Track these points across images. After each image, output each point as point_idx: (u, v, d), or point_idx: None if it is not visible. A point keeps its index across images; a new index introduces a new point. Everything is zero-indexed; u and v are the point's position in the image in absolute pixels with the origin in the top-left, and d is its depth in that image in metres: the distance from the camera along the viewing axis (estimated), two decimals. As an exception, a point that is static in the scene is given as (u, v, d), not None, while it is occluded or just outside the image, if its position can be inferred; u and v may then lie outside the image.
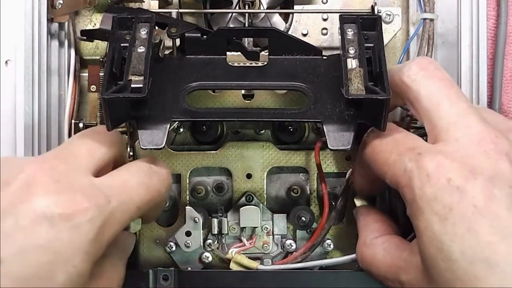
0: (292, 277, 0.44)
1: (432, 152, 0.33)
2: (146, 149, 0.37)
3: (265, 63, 0.43)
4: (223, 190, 0.51)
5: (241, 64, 0.44)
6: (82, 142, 0.36)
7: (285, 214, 0.47)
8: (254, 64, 0.44)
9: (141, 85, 0.35)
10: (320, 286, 0.43)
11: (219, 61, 0.42)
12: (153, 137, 0.37)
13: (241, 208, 0.47)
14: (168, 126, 0.37)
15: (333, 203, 0.46)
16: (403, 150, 0.34)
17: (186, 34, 0.42)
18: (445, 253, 0.31)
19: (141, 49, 0.38)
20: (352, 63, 0.37)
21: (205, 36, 0.43)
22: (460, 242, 0.31)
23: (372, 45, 0.39)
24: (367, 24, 0.40)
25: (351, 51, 0.38)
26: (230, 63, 0.43)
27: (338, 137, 0.37)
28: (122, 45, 0.38)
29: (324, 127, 0.37)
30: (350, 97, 0.36)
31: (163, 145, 0.37)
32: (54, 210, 0.31)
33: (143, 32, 0.39)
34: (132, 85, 0.36)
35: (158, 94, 0.38)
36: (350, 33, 0.39)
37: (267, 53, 0.43)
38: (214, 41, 0.42)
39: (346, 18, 0.40)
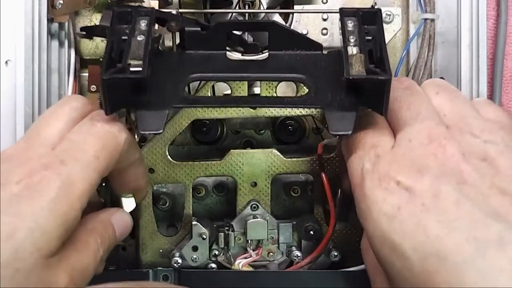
0: (293, 277, 0.44)
1: (388, 156, 0.34)
2: (144, 133, 0.36)
3: (265, 57, 0.42)
4: (224, 190, 0.51)
5: (241, 58, 0.43)
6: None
7: (291, 223, 0.47)
8: (254, 59, 0.44)
9: (140, 68, 0.35)
10: (320, 286, 0.43)
11: (219, 55, 0.42)
12: (152, 121, 0.36)
13: (248, 222, 0.46)
14: (167, 112, 0.37)
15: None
16: (367, 146, 0.36)
17: (186, 28, 0.42)
18: (397, 252, 0.32)
19: (141, 38, 0.37)
20: (353, 50, 0.37)
21: (205, 31, 0.42)
22: (410, 238, 0.31)
23: (372, 37, 0.39)
24: (367, 18, 0.39)
25: (352, 40, 0.38)
26: (230, 58, 0.42)
27: (339, 122, 0.36)
28: (121, 37, 0.38)
29: (325, 113, 0.37)
30: (350, 78, 0.35)
31: (162, 130, 0.36)
32: (17, 180, 0.32)
33: (143, 24, 0.38)
34: (132, 69, 0.35)
35: (158, 84, 0.38)
36: (350, 25, 0.39)
37: (267, 52, 0.43)
38: (214, 35, 0.42)
39: (346, 12, 0.40)
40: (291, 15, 0.51)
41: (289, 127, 0.51)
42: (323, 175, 0.45)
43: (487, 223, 0.30)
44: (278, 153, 0.47)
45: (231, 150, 0.47)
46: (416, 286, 0.31)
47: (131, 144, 0.38)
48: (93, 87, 0.49)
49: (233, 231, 0.47)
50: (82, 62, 0.50)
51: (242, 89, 0.46)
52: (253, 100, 0.43)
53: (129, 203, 0.41)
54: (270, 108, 0.46)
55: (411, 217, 0.31)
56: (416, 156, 0.33)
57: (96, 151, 0.35)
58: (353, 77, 0.35)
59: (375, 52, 0.37)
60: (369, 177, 0.34)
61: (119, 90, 0.35)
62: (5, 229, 0.31)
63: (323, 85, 0.39)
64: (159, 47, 0.43)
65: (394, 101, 0.36)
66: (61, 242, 0.33)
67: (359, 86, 0.36)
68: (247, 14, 0.49)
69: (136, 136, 0.41)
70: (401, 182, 0.32)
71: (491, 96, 0.50)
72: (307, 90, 0.40)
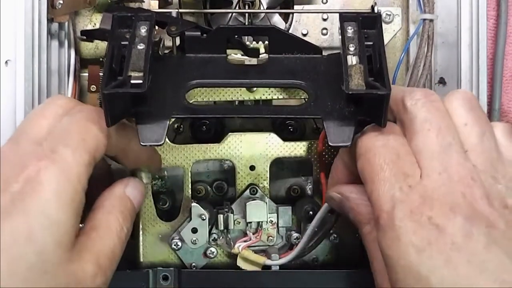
0: (293, 277, 0.44)
1: (419, 187, 0.34)
2: (145, 145, 0.37)
3: (265, 61, 0.43)
4: (223, 190, 0.51)
5: (241, 63, 0.44)
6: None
7: (290, 206, 0.47)
8: (254, 63, 0.44)
9: (141, 81, 0.35)
10: (320, 286, 0.43)
11: (219, 59, 0.42)
12: (152, 133, 0.37)
13: (247, 204, 0.46)
14: (168, 122, 0.37)
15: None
16: (399, 173, 0.35)
17: (186, 33, 0.42)
18: (423, 283, 0.32)
19: (141, 46, 0.37)
20: (352, 60, 0.37)
21: (205, 35, 0.43)
22: (438, 273, 0.31)
23: (372, 43, 0.39)
24: (367, 23, 0.40)
25: (351, 48, 0.38)
26: (230, 62, 0.43)
27: (338, 133, 0.37)
28: (122, 43, 0.38)
29: (324, 123, 0.37)
30: (350, 92, 0.36)
31: (163, 141, 0.37)
32: (15, 180, 0.32)
33: (143, 30, 0.39)
34: (132, 81, 0.35)
35: (158, 92, 0.38)
36: (350, 31, 0.39)
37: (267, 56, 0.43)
38: (214, 39, 0.42)
39: (346, 17, 0.40)
40: (291, 15, 0.51)
41: (289, 127, 0.51)
42: (323, 175, 0.45)
43: None
44: (277, 137, 0.47)
45: (230, 133, 0.47)
46: None
47: (120, 124, 0.38)
48: (93, 87, 0.49)
49: (232, 213, 0.47)
50: (82, 62, 0.50)
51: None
52: (254, 110, 0.44)
53: (145, 178, 0.42)
54: (265, 94, 0.46)
55: (440, 254, 0.32)
56: (446, 192, 0.33)
57: (81, 134, 0.35)
58: (353, 92, 0.36)
59: (375, 62, 0.38)
60: (401, 207, 0.33)
61: (119, 103, 0.36)
62: (22, 232, 0.31)
63: (323, 92, 0.39)
64: (159, 51, 0.43)
65: (424, 122, 0.35)
66: (76, 230, 0.33)
67: (358, 98, 0.36)
68: (247, 14, 0.49)
69: None
70: (433, 218, 0.32)
71: (491, 96, 0.50)
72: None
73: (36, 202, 0.32)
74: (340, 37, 0.39)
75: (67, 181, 0.33)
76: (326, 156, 0.47)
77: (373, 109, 0.36)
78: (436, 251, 0.32)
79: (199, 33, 0.42)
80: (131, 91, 0.35)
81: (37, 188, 0.32)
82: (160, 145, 0.37)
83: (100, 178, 0.38)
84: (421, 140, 0.35)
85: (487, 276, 0.31)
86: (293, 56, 0.42)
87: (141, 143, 0.36)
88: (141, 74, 0.36)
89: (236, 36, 0.44)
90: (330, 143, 0.36)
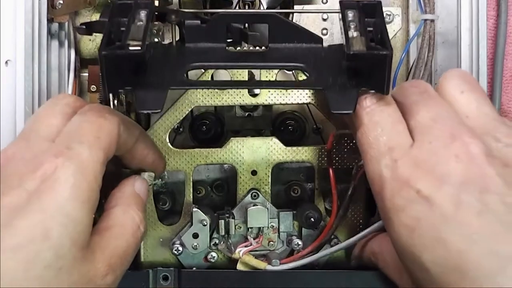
0: (293, 277, 0.44)
1: (406, 159, 0.33)
2: (142, 112, 0.36)
3: (265, 49, 0.42)
4: (223, 190, 0.51)
5: (241, 50, 0.43)
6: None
7: (291, 212, 0.47)
8: (254, 51, 0.44)
9: (139, 48, 0.34)
10: (322, 286, 0.43)
11: (219, 48, 0.41)
12: (150, 100, 0.35)
13: (248, 209, 0.46)
14: (166, 92, 0.36)
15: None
16: (384, 149, 0.34)
17: (186, 22, 0.42)
18: (418, 264, 0.31)
19: (140, 23, 0.37)
20: (353, 34, 0.36)
21: (204, 24, 0.42)
22: (430, 252, 0.31)
23: (373, 27, 0.38)
24: (368, 10, 0.39)
25: (352, 26, 0.37)
26: (230, 50, 0.42)
27: (340, 101, 0.35)
28: (121, 29, 0.37)
29: (326, 93, 0.36)
30: (351, 53, 0.34)
31: (161, 109, 0.35)
32: (31, 177, 0.32)
33: (142, 14, 0.38)
34: (131, 48, 0.34)
35: (157, 69, 0.38)
36: (351, 15, 0.39)
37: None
38: (214, 28, 0.42)
39: (346, 4, 0.40)
40: (291, 15, 0.51)
41: (289, 127, 0.51)
42: (331, 170, 0.45)
43: (509, 237, 0.29)
44: (279, 141, 0.47)
45: (231, 138, 0.47)
46: None
47: (127, 122, 0.38)
48: (93, 87, 0.49)
49: (233, 218, 0.47)
50: (82, 62, 0.50)
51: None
52: (253, 83, 0.43)
53: (147, 178, 0.42)
54: (270, 96, 0.46)
55: (431, 230, 0.31)
56: (437, 160, 0.32)
57: (95, 132, 0.35)
58: (354, 52, 0.34)
59: (376, 34, 0.37)
60: (389, 186, 0.33)
61: (118, 68, 0.34)
62: (38, 230, 0.31)
63: (324, 72, 0.38)
64: (159, 42, 0.42)
65: (412, 105, 0.35)
66: (90, 229, 0.33)
67: (359, 66, 0.35)
68: (247, 14, 0.49)
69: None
70: (421, 191, 0.32)
71: (491, 96, 0.50)
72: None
73: (54, 199, 0.31)
74: (341, 36, 0.39)
75: (84, 179, 0.33)
76: (335, 151, 0.46)
77: (374, 75, 0.35)
78: (426, 227, 0.31)
79: (199, 21, 0.42)
80: (130, 52, 0.34)
81: (54, 185, 0.32)
82: (158, 112, 0.36)
83: (109, 177, 0.37)
84: (413, 119, 0.35)
85: (478, 248, 0.30)
86: (294, 45, 0.41)
87: (139, 110, 0.35)
88: (139, 42, 0.35)
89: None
90: (332, 111, 0.35)
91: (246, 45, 0.44)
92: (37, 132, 0.36)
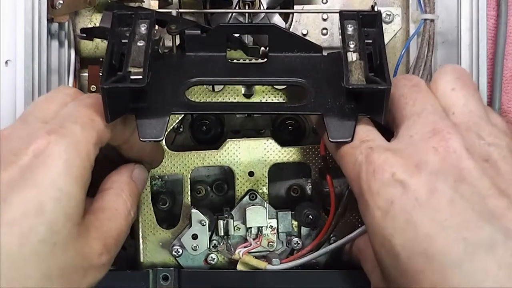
0: (293, 277, 0.44)
1: (382, 148, 0.34)
2: (145, 141, 0.36)
3: (265, 60, 0.43)
4: (223, 190, 0.51)
5: (241, 61, 0.44)
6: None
7: (290, 211, 0.47)
8: (254, 61, 0.44)
9: (141, 76, 0.35)
10: (322, 286, 0.43)
11: (219, 58, 0.42)
12: (152, 128, 0.36)
13: (247, 209, 0.46)
14: (168, 118, 0.37)
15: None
16: (357, 142, 0.35)
17: (186, 31, 0.42)
18: (387, 248, 0.31)
19: (141, 43, 0.37)
20: (352, 56, 0.37)
21: (205, 33, 0.43)
22: (400, 235, 0.31)
23: (372, 40, 0.39)
24: (367, 21, 0.40)
25: (351, 45, 0.38)
26: (230, 60, 0.43)
27: (338, 130, 0.36)
28: (121, 41, 0.38)
29: (324, 119, 0.37)
30: (350, 87, 0.35)
31: (163, 137, 0.37)
32: (24, 152, 0.32)
33: (142, 28, 0.39)
34: (132, 77, 0.35)
35: (158, 89, 0.38)
36: (350, 28, 0.39)
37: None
38: (214, 38, 0.42)
39: (346, 15, 0.40)
40: (291, 15, 0.51)
41: (289, 127, 0.51)
42: (328, 177, 0.45)
43: (479, 225, 0.30)
44: (275, 142, 0.47)
45: (228, 139, 0.47)
46: (403, 285, 0.31)
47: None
48: (93, 87, 0.49)
49: (232, 218, 0.47)
50: (82, 62, 0.50)
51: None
52: (254, 107, 0.44)
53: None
54: (264, 96, 0.47)
55: (403, 213, 0.31)
56: (415, 150, 0.33)
57: (90, 115, 0.35)
58: (353, 86, 0.35)
59: (375, 58, 0.37)
60: (364, 169, 0.33)
61: (119, 98, 0.35)
62: (32, 204, 0.31)
63: (323, 89, 0.39)
64: (159, 50, 0.43)
65: (400, 97, 0.36)
66: (83, 206, 0.33)
67: (358, 93, 0.36)
68: (247, 14, 0.49)
69: None
70: (396, 174, 0.32)
71: (491, 96, 0.50)
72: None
73: (46, 174, 0.32)
74: (340, 36, 0.39)
75: (76, 155, 0.33)
76: (330, 159, 0.46)
77: (373, 104, 0.36)
78: (399, 210, 0.31)
79: (199, 31, 0.42)
80: (131, 86, 0.35)
81: (46, 160, 0.32)
82: (160, 140, 0.37)
83: (103, 164, 0.38)
84: (399, 113, 0.36)
85: (447, 234, 0.30)
86: (293, 55, 0.42)
87: (141, 139, 0.36)
88: (140, 69, 0.36)
89: (237, 35, 0.44)
90: (330, 139, 0.36)
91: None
92: (33, 115, 0.36)
